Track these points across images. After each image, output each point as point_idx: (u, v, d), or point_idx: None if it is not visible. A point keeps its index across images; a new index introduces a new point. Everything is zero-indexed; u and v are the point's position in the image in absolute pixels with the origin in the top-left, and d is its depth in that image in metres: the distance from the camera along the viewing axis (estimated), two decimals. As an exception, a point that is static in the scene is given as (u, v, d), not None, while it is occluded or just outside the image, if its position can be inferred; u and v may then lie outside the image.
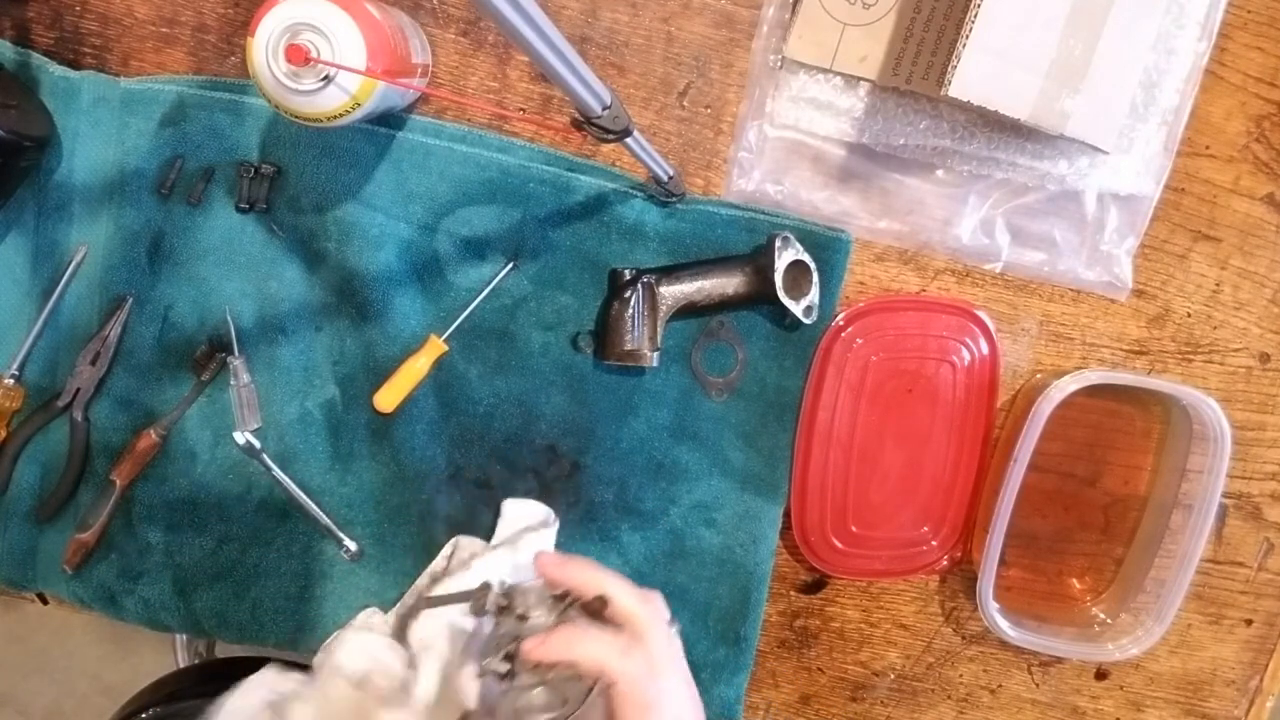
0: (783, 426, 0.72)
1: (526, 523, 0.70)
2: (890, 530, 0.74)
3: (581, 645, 0.49)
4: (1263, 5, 0.68)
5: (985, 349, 0.71)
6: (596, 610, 0.51)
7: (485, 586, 0.53)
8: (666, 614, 0.53)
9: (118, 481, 0.69)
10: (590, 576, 0.52)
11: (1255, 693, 0.80)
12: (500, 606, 0.52)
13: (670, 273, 0.68)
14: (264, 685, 0.62)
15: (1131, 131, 0.68)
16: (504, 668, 0.49)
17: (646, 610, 0.51)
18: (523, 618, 0.52)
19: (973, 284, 0.72)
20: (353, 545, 0.71)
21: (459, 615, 0.63)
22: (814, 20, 0.65)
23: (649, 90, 0.68)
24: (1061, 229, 0.71)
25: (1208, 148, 0.70)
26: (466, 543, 0.70)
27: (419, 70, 0.64)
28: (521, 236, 0.69)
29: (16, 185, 0.67)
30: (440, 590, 0.67)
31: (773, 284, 0.66)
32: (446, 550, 0.71)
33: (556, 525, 0.71)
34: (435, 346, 0.68)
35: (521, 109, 0.69)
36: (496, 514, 0.72)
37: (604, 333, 0.68)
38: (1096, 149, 0.65)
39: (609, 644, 0.49)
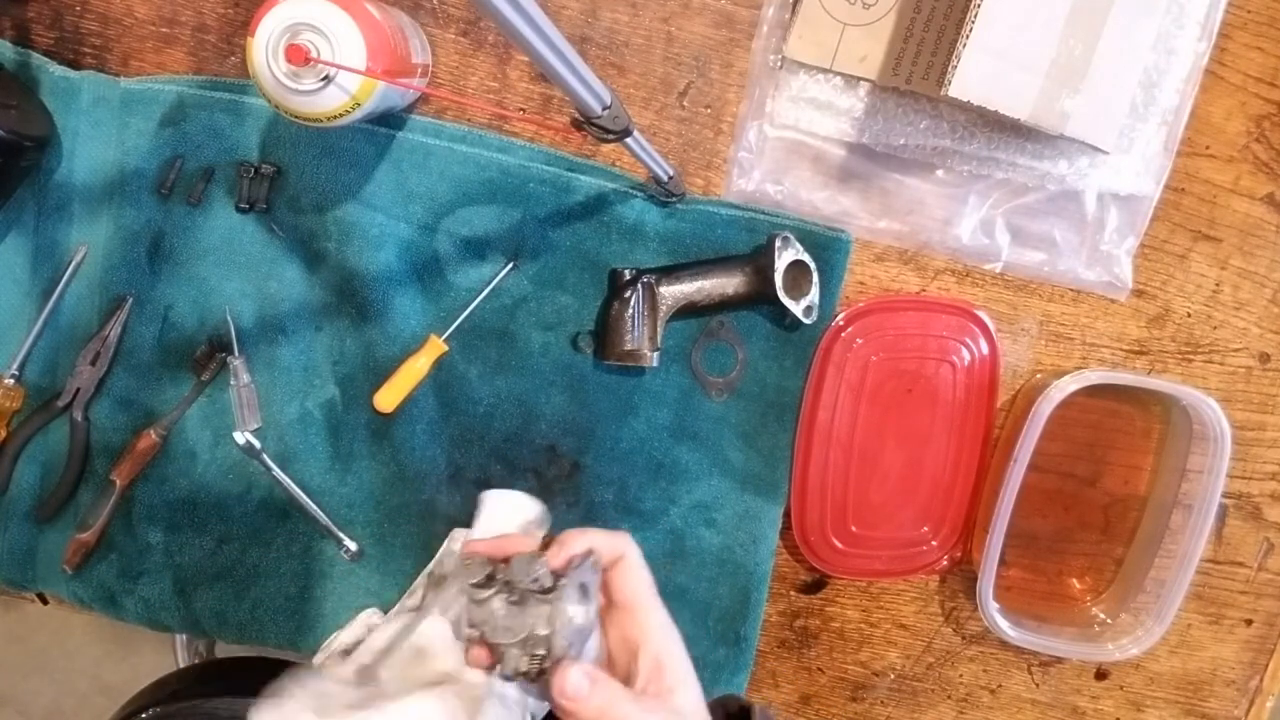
0: (783, 426, 0.72)
1: (516, 518, 0.69)
2: (890, 530, 0.74)
3: (589, 533, 0.52)
4: (1263, 5, 0.68)
5: (985, 349, 0.71)
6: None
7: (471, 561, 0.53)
8: None
9: (118, 481, 0.69)
10: (523, 538, 0.56)
11: (1255, 693, 0.80)
12: (488, 578, 0.53)
13: (670, 273, 0.68)
14: None
15: (1131, 131, 0.68)
16: (550, 580, 0.50)
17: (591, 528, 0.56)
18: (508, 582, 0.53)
19: (973, 284, 0.72)
20: (353, 545, 0.71)
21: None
22: (814, 20, 0.65)
23: (649, 90, 0.68)
24: (1061, 229, 0.71)
25: (1208, 148, 0.70)
26: (462, 534, 0.70)
27: (419, 70, 0.64)
28: (521, 236, 0.69)
29: (16, 185, 0.67)
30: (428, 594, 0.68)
31: (773, 284, 0.66)
32: (446, 544, 0.70)
33: (548, 524, 0.70)
34: (435, 346, 0.68)
35: (521, 109, 0.69)
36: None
37: (604, 333, 0.68)
38: (1096, 149, 0.65)
39: (604, 530, 0.53)
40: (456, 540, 0.70)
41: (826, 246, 0.69)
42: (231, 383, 0.69)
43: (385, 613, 0.72)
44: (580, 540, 0.51)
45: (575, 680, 0.46)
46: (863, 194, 0.70)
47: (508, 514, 0.70)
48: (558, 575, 0.50)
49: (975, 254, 0.71)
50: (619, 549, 0.52)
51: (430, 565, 0.71)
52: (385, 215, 0.68)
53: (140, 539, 0.71)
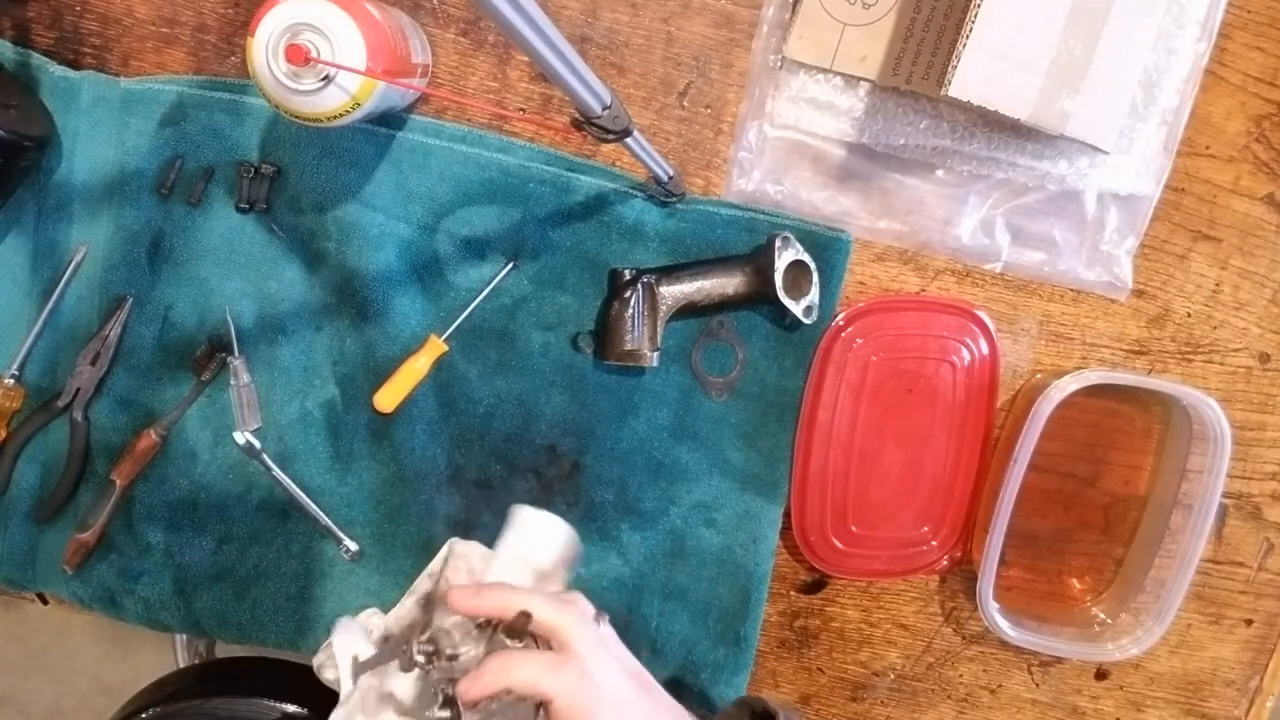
0: (783, 426, 0.72)
1: (547, 544, 0.68)
2: (890, 530, 0.74)
3: (512, 671, 0.48)
4: (1263, 5, 0.68)
5: (985, 349, 0.71)
6: (521, 627, 0.50)
7: (406, 639, 0.53)
8: (590, 610, 0.53)
9: (118, 481, 0.69)
10: (504, 598, 0.52)
11: (1255, 693, 0.80)
12: (428, 654, 0.52)
13: (670, 273, 0.68)
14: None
15: (1131, 131, 0.68)
16: (445, 714, 0.49)
17: (566, 617, 0.51)
18: (453, 657, 0.51)
19: (973, 284, 0.72)
20: (353, 545, 0.71)
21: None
22: (814, 20, 0.65)
23: (649, 90, 0.68)
24: (1061, 229, 0.71)
25: (1208, 148, 0.70)
26: (462, 549, 0.69)
27: (419, 70, 0.64)
28: (521, 236, 0.69)
29: (16, 185, 0.67)
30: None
31: (773, 284, 0.66)
32: (443, 552, 0.70)
33: (580, 552, 0.69)
34: (435, 346, 0.68)
35: (521, 109, 0.69)
36: (497, 514, 0.71)
37: (604, 333, 0.68)
38: (1096, 149, 0.65)
39: (537, 663, 0.49)
40: (457, 555, 0.69)
41: (826, 246, 0.69)
42: (231, 383, 0.69)
43: (385, 613, 0.71)
44: (496, 677, 0.47)
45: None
46: (863, 194, 0.70)
47: (537, 540, 0.67)
48: (469, 707, 0.47)
49: (975, 254, 0.71)
50: (544, 694, 0.48)
51: (430, 566, 0.71)
52: (385, 215, 0.68)
53: (140, 539, 0.71)
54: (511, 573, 0.65)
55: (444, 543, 0.71)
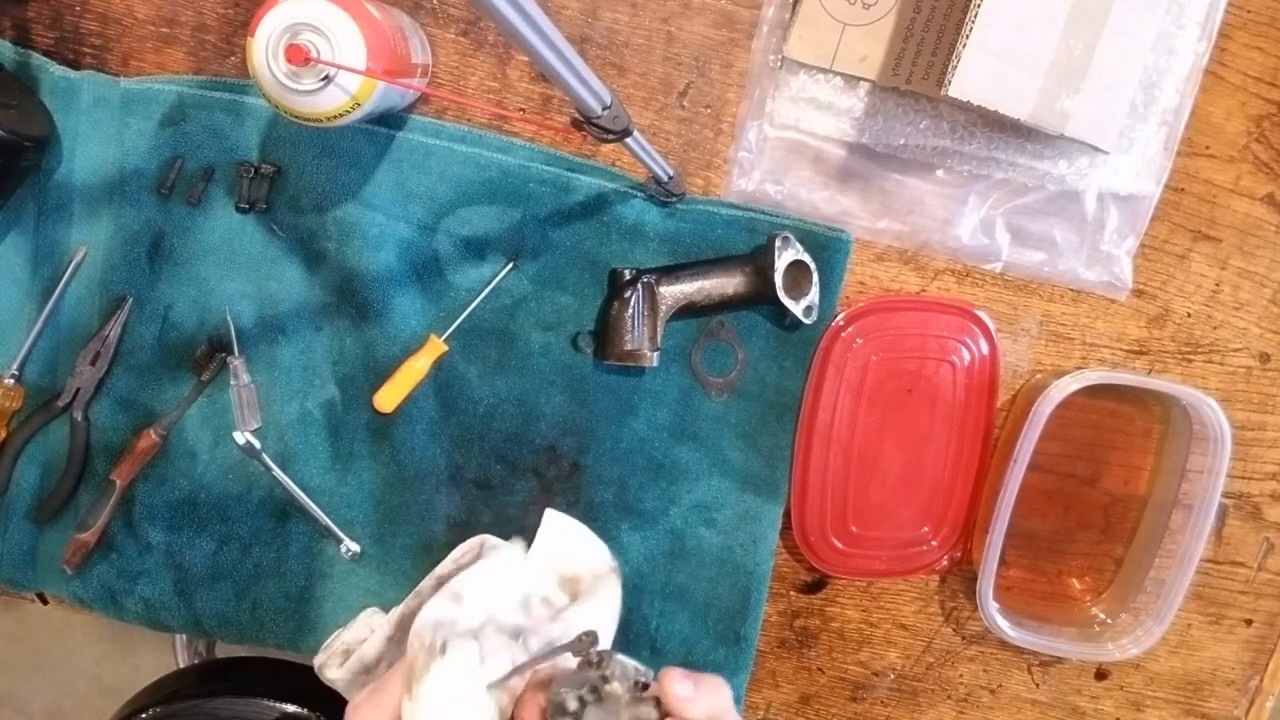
0: (783, 426, 0.72)
1: (581, 557, 0.65)
2: (890, 530, 0.74)
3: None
4: (1263, 5, 0.68)
5: (985, 349, 0.71)
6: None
7: (590, 638, 0.53)
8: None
9: (118, 481, 0.69)
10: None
11: (1255, 693, 0.80)
12: (593, 662, 0.52)
13: (670, 273, 0.68)
14: None
15: (1131, 131, 0.68)
16: (575, 704, 0.50)
17: None
18: (606, 679, 0.52)
19: (973, 284, 0.72)
20: (353, 545, 0.71)
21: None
22: (814, 20, 0.65)
23: (649, 90, 0.68)
24: (1061, 229, 0.71)
25: (1208, 148, 0.70)
26: (492, 544, 0.68)
27: (419, 70, 0.64)
28: (521, 236, 0.69)
29: (16, 185, 0.67)
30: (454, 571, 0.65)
31: (773, 284, 0.66)
32: (464, 548, 0.68)
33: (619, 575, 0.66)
34: (435, 346, 0.68)
35: (521, 109, 0.69)
36: (497, 515, 0.71)
37: (604, 333, 0.68)
38: (1096, 149, 0.65)
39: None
40: (496, 549, 0.66)
41: (826, 246, 0.69)
42: (231, 383, 0.69)
43: (385, 613, 0.72)
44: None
45: (681, 683, 0.48)
46: (863, 194, 0.70)
47: (573, 548, 0.65)
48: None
49: (975, 254, 0.71)
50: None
51: (439, 568, 0.70)
52: (385, 215, 0.68)
53: (140, 539, 0.71)
54: (542, 580, 0.64)
55: (444, 543, 0.71)
